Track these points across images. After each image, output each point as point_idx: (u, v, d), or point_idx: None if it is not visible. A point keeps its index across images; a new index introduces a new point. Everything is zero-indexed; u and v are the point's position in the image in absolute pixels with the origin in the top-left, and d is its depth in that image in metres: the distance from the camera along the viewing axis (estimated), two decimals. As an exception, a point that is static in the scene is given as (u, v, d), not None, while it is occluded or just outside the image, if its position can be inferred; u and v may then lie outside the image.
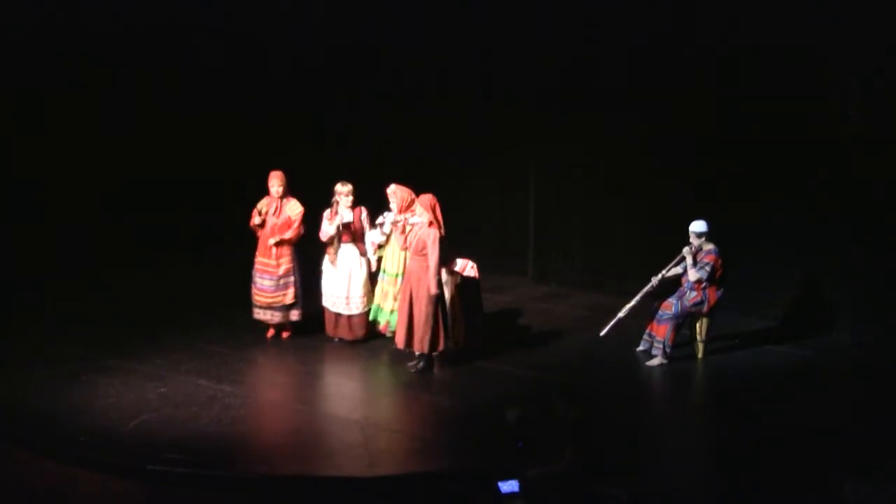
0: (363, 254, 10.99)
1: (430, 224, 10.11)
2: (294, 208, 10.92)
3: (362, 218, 10.95)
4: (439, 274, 10.16)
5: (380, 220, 10.88)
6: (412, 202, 10.47)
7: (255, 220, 10.88)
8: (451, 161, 13.42)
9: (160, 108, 13.59)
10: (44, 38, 12.98)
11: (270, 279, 10.94)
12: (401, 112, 13.71)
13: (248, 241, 11.14)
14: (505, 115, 13.15)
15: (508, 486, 7.27)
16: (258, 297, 11.05)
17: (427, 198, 10.19)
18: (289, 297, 11.00)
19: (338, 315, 11.04)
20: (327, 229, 10.90)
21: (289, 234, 10.88)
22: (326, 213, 10.94)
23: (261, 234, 10.97)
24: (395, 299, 10.73)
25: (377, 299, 10.99)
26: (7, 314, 11.48)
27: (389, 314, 10.86)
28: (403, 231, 10.53)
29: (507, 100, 13.14)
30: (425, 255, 10.07)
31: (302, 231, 10.94)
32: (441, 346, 10.26)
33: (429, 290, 10.05)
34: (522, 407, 7.79)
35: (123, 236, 13.20)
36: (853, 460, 8.36)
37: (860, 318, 11.13)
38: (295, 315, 11.12)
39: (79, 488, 8.20)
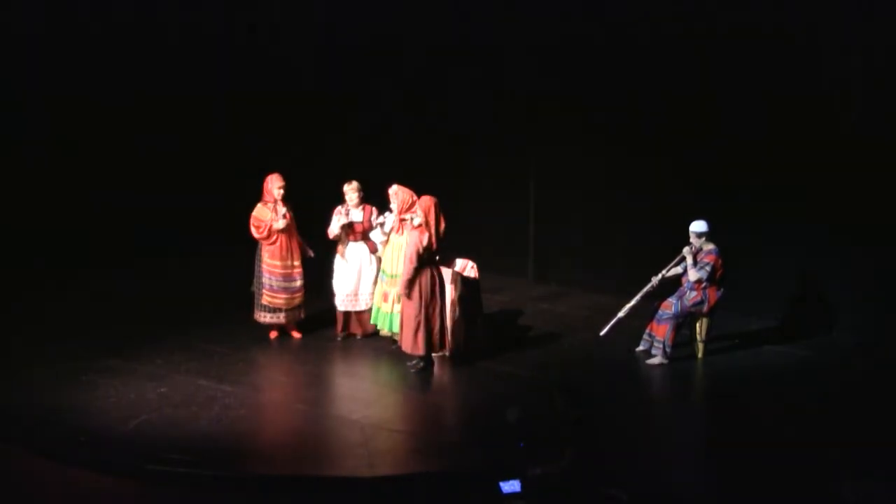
0: (373, 251, 11.00)
1: (420, 228, 10.09)
2: (287, 207, 10.90)
3: (371, 217, 10.96)
4: (447, 275, 10.18)
5: (380, 219, 10.89)
6: (413, 203, 10.45)
7: (281, 223, 10.74)
8: (452, 161, 13.41)
9: (160, 109, 13.60)
10: (49, 43, 13.00)
11: (291, 280, 10.93)
12: (402, 111, 13.70)
13: (247, 242, 11.10)
14: (505, 114, 13.15)
15: (510, 486, 7.27)
16: (276, 300, 10.95)
17: (426, 200, 10.14)
18: (301, 297, 11.03)
19: (347, 313, 11.09)
20: (332, 227, 10.92)
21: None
22: (338, 208, 10.94)
23: (280, 237, 10.88)
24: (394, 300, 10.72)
25: (376, 300, 10.99)
26: (7, 314, 11.48)
27: (389, 316, 10.84)
28: (401, 232, 10.56)
29: (508, 99, 13.14)
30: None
31: None
32: (447, 348, 10.26)
33: (403, 288, 10.10)
34: (522, 407, 7.79)
35: (123, 236, 13.19)
36: (853, 460, 8.37)
37: (860, 318, 11.13)
38: (301, 314, 11.13)
39: (79, 488, 8.20)
